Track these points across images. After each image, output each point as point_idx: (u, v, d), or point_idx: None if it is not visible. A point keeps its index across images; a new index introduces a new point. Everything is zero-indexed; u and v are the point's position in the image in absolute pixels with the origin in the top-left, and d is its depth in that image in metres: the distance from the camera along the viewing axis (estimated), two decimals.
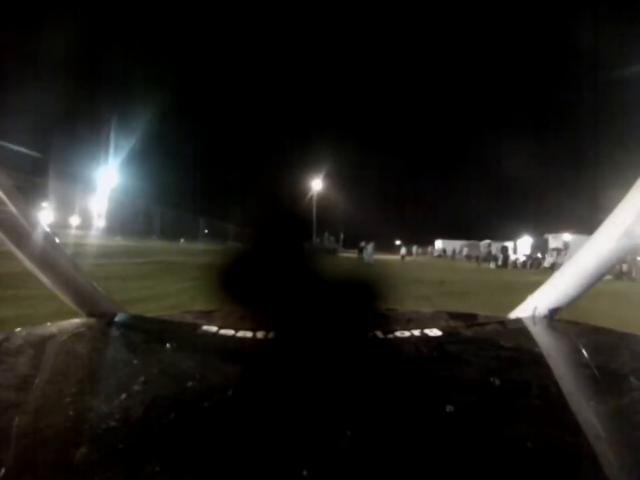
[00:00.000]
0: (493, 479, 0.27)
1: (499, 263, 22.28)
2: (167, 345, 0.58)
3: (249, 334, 0.59)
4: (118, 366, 0.50)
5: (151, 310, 2.82)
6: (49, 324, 0.66)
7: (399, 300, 0.76)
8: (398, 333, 0.61)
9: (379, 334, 0.61)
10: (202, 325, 0.65)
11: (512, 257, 23.59)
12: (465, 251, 36.36)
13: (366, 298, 0.62)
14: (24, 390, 0.41)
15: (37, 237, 0.68)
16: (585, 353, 0.59)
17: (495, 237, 33.30)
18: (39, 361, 0.51)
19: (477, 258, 30.45)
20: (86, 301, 0.75)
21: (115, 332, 0.69)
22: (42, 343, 0.58)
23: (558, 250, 20.78)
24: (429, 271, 13.53)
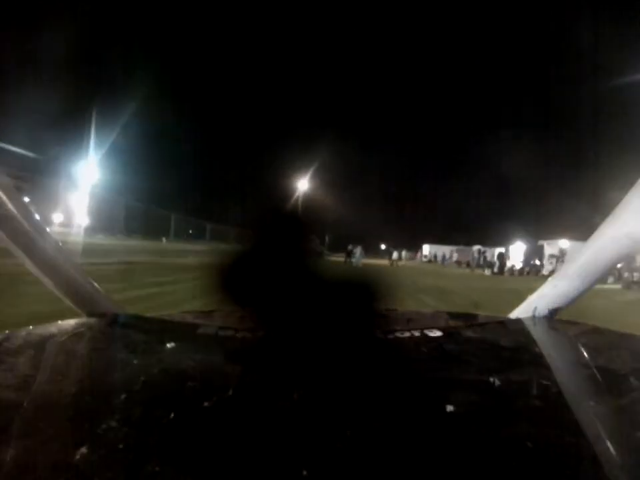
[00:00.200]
0: (493, 479, 0.27)
1: (495, 269, 21.76)
2: (167, 345, 0.58)
3: (248, 334, 0.59)
4: (118, 366, 0.50)
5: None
6: (48, 324, 0.66)
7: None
8: (398, 333, 0.61)
9: (379, 334, 0.61)
10: (202, 325, 0.65)
11: (508, 263, 23.27)
12: (455, 257, 36.08)
13: (365, 302, 0.62)
14: (24, 390, 0.41)
15: (37, 236, 0.68)
16: (585, 353, 0.59)
17: (484, 243, 32.62)
18: (39, 361, 0.51)
19: (468, 264, 30.06)
20: (86, 301, 0.75)
21: (115, 332, 0.69)
22: (42, 342, 0.58)
23: (557, 257, 20.36)
24: (425, 278, 12.95)
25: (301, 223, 0.62)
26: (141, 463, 0.28)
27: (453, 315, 0.90)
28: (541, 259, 22.77)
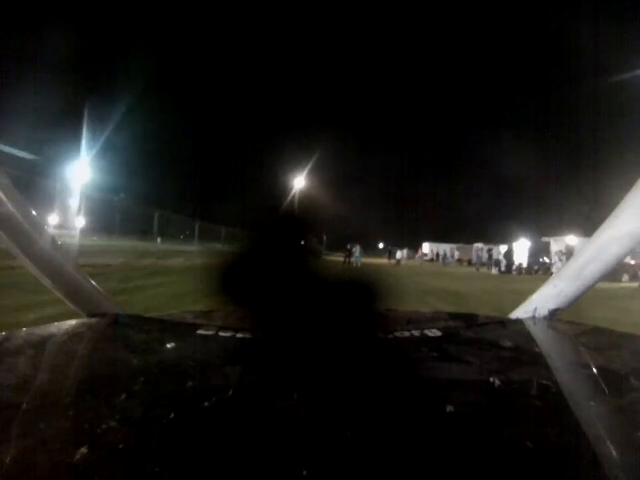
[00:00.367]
0: (493, 479, 0.27)
1: (502, 268, 20.60)
2: (167, 345, 0.58)
3: (248, 334, 0.59)
4: (118, 366, 0.50)
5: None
6: (49, 324, 0.66)
7: None
8: (398, 333, 0.61)
9: (379, 334, 0.61)
10: (202, 324, 0.65)
11: (515, 261, 22.62)
12: (457, 255, 35.41)
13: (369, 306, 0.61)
14: (24, 390, 0.41)
15: (37, 236, 0.68)
16: (585, 353, 0.59)
17: (485, 240, 32.06)
18: (39, 361, 0.52)
19: (469, 262, 29.52)
20: (86, 301, 0.75)
21: (115, 332, 0.69)
22: (42, 342, 0.58)
23: (565, 254, 19.61)
24: (431, 278, 12.15)
25: (299, 222, 0.62)
26: (141, 463, 0.28)
27: (453, 315, 0.90)
28: (548, 256, 21.91)
